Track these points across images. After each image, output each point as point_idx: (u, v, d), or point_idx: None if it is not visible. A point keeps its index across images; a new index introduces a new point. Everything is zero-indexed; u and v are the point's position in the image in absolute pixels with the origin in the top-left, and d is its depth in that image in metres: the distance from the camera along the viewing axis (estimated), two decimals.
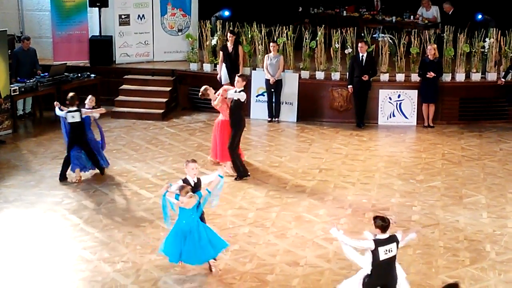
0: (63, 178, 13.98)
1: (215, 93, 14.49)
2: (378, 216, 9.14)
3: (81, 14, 19.22)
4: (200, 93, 14.71)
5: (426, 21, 20.37)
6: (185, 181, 10.81)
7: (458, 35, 17.45)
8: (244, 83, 14.27)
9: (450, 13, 19.69)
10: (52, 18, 19.17)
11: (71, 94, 13.95)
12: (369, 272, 9.05)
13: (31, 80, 17.36)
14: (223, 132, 14.29)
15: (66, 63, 18.50)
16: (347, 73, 17.38)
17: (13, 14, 19.61)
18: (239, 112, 14.17)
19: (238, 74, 14.76)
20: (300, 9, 22.16)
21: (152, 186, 13.79)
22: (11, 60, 17.55)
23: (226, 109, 14.22)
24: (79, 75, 18.36)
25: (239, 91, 14.00)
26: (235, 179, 14.09)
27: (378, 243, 8.92)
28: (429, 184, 13.89)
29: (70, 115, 13.62)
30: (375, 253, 8.91)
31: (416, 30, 18.38)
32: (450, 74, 17.65)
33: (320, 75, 17.84)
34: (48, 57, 19.13)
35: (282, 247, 11.40)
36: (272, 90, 17.53)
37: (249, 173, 14.21)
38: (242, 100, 14.05)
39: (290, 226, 12.14)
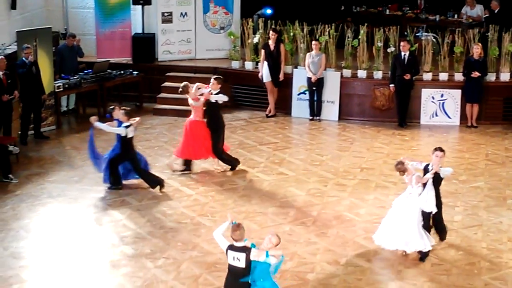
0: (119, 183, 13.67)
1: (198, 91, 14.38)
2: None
3: (125, 12, 19.35)
4: (180, 89, 14.43)
5: (470, 20, 20.14)
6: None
7: (503, 34, 17.24)
8: (220, 86, 14.26)
9: (496, 11, 19.43)
10: (95, 16, 19.32)
11: (127, 108, 13.57)
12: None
13: (75, 77, 17.52)
14: (196, 131, 14.17)
15: (109, 60, 18.66)
16: (389, 72, 17.27)
17: (57, 12, 19.80)
18: (217, 114, 14.31)
19: (214, 76, 14.65)
20: (343, 7, 22.07)
21: (193, 183, 13.84)
22: (55, 56, 17.74)
23: (201, 110, 14.23)
24: (122, 72, 18.50)
25: (216, 93, 14.10)
26: (231, 169, 14.42)
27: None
28: (472, 185, 13.75)
29: (130, 130, 13.23)
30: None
31: (460, 29, 18.19)
32: (495, 73, 17.43)
33: (362, 73, 17.75)
34: (91, 54, 19.28)
35: (322, 245, 11.38)
36: (314, 88, 17.49)
37: (239, 161, 14.51)
38: (220, 102, 14.24)
39: (331, 225, 12.10)
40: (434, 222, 11.12)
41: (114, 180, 13.50)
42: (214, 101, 14.11)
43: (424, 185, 10.79)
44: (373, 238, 11.19)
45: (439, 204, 11.06)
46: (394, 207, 11.05)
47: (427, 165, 11.03)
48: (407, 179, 10.90)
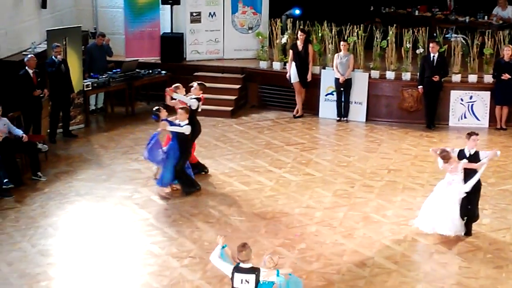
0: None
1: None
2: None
3: (153, 12, 19.43)
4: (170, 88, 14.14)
5: (501, 21, 19.96)
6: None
7: None
8: (201, 92, 14.12)
9: None
10: (125, 15, 19.42)
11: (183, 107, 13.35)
12: None
13: (103, 76, 17.63)
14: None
15: (137, 60, 18.73)
16: (418, 74, 17.17)
17: (87, 11, 19.93)
18: (193, 120, 13.71)
19: (198, 82, 14.48)
20: (372, 8, 21.98)
21: (220, 183, 13.86)
22: (85, 55, 17.85)
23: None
24: (150, 71, 18.57)
25: (194, 98, 13.96)
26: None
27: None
28: (500, 188, 13.63)
29: (187, 128, 13.15)
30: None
31: (490, 31, 18.05)
32: None
33: (390, 75, 17.67)
34: (120, 54, 19.38)
35: (349, 247, 11.34)
36: (342, 89, 17.44)
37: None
38: (193, 107, 13.80)
39: (358, 226, 12.07)
40: (468, 205, 11.46)
41: (189, 184, 13.39)
42: (188, 105, 13.71)
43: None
44: (411, 223, 11.65)
45: (478, 186, 11.47)
46: (436, 192, 11.55)
47: (461, 150, 11.48)
48: (450, 167, 11.28)
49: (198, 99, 14.02)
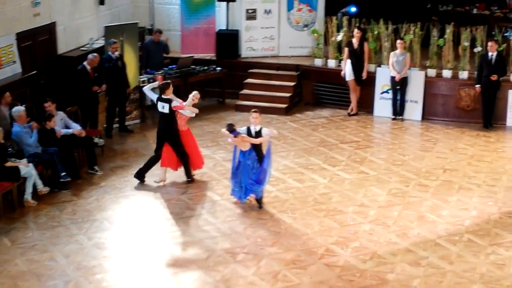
0: None
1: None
2: None
3: (209, 8, 19.52)
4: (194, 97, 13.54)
5: None
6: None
7: None
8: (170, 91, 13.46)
9: None
10: (181, 12, 19.55)
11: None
12: None
13: (159, 72, 17.76)
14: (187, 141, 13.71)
15: (193, 56, 18.85)
16: (476, 72, 16.95)
17: (144, 7, 20.14)
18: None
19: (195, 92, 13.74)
20: (429, 5, 21.77)
21: (274, 179, 13.83)
22: (141, 52, 18.03)
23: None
24: (206, 68, 18.68)
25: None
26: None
27: None
28: None
29: (267, 131, 12.72)
30: None
31: None
32: None
33: (447, 73, 17.46)
34: (176, 50, 19.52)
35: (403, 246, 11.25)
36: (397, 87, 17.30)
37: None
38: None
39: (412, 226, 11.96)
40: None
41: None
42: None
43: None
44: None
45: None
46: None
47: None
48: None
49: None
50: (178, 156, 13.57)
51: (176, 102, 13.38)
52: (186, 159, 13.64)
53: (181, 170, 13.80)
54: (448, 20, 18.34)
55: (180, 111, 13.35)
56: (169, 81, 14.09)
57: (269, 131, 12.52)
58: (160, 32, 18.38)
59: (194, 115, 13.62)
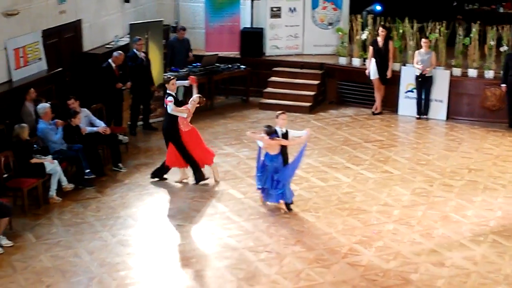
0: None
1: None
2: None
3: (234, 6, 19.52)
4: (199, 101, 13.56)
5: None
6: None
7: None
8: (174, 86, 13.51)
9: None
10: (205, 10, 19.56)
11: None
12: None
13: (183, 70, 17.80)
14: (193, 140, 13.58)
15: (217, 54, 18.87)
16: (502, 72, 16.81)
17: (169, 5, 20.19)
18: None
19: (171, 77, 13.96)
20: (455, 4, 21.64)
21: (297, 178, 13.78)
22: (166, 49, 18.07)
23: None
24: (230, 66, 18.69)
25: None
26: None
27: None
28: None
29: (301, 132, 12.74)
30: None
31: None
32: None
33: (472, 72, 17.34)
34: (200, 48, 19.55)
35: (427, 246, 11.20)
36: (419, 79, 17.12)
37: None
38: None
39: (436, 226, 11.90)
40: None
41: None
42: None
43: None
44: None
45: None
46: None
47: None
48: None
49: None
50: (183, 157, 13.47)
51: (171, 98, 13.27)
52: (191, 162, 13.48)
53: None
54: (474, 19, 18.20)
55: (167, 107, 13.24)
56: (172, 76, 14.08)
57: (305, 132, 12.40)
58: (184, 29, 18.41)
59: (184, 115, 13.36)
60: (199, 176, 13.63)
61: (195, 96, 13.51)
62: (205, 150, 13.75)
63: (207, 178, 13.66)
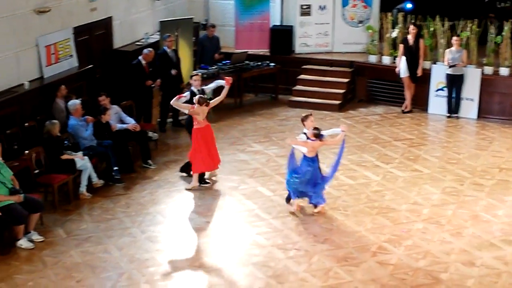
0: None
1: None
2: None
3: (264, 4, 19.50)
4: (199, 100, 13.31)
5: None
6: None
7: None
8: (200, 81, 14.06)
9: None
10: (235, 7, 19.57)
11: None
12: None
13: (213, 67, 17.82)
14: (212, 137, 13.50)
15: (247, 51, 18.87)
16: None
17: (199, 3, 20.22)
18: None
19: (195, 73, 14.28)
20: (487, 2, 21.43)
21: None
22: (196, 47, 18.10)
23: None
24: (259, 63, 18.67)
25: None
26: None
27: None
28: None
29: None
30: None
31: None
32: None
33: (504, 71, 17.17)
34: (230, 45, 19.57)
35: (457, 245, 11.12)
36: (453, 85, 17.05)
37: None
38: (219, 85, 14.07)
39: (467, 225, 11.81)
40: None
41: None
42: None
43: None
44: None
45: None
46: None
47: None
48: None
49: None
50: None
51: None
52: (193, 155, 13.38)
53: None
54: (506, 17, 18.00)
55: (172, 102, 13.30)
56: (196, 72, 14.01)
57: (339, 130, 12.20)
58: (213, 26, 18.43)
59: (185, 111, 13.36)
60: (186, 170, 13.69)
61: (197, 96, 13.40)
62: (213, 154, 13.46)
63: (207, 183, 13.60)
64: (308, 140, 11.88)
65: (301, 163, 12.08)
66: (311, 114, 12.30)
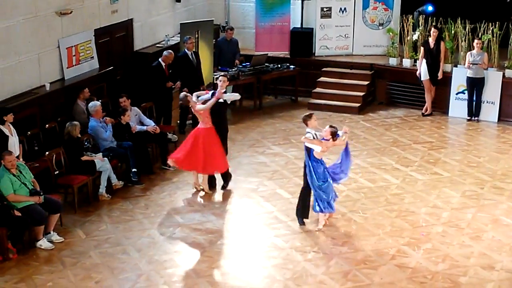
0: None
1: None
2: None
3: (284, 6, 19.51)
4: (180, 102, 13.51)
5: None
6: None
7: None
8: (227, 83, 13.63)
9: None
10: (256, 10, 19.59)
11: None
12: None
13: (233, 69, 17.85)
14: (208, 140, 12.92)
15: (267, 54, 18.88)
16: None
17: (219, 5, 20.25)
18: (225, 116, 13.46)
19: (222, 74, 13.55)
20: (509, 1, 21.28)
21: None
22: (214, 49, 18.14)
23: (208, 116, 12.92)
24: (279, 66, 18.68)
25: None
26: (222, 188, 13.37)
27: None
28: None
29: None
30: None
31: None
32: None
33: None
34: (250, 48, 19.60)
35: (477, 249, 11.06)
36: (474, 88, 16.97)
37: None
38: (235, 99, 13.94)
39: (487, 229, 11.74)
40: None
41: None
42: (223, 101, 13.11)
43: None
44: None
45: None
46: None
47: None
48: None
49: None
50: None
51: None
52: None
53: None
54: None
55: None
56: (223, 74, 13.89)
57: (341, 132, 11.69)
58: (231, 29, 18.45)
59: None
60: (225, 181, 13.42)
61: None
62: (214, 157, 13.02)
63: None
64: (323, 140, 11.61)
65: (314, 169, 11.61)
66: (313, 113, 11.86)
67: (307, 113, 11.87)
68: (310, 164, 11.56)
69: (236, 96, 13.93)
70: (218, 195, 13.20)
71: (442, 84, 17.46)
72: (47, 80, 14.20)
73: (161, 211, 12.52)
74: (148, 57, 16.78)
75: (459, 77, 17.36)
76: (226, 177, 13.45)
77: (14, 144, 12.06)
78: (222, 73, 13.95)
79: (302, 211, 11.97)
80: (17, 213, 11.01)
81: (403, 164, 14.54)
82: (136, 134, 14.03)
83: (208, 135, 12.95)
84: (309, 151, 11.56)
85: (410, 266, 10.60)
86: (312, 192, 11.72)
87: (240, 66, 18.14)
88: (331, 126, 11.67)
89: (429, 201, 12.85)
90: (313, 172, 11.57)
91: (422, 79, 17.44)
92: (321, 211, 11.72)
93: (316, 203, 11.70)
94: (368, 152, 15.26)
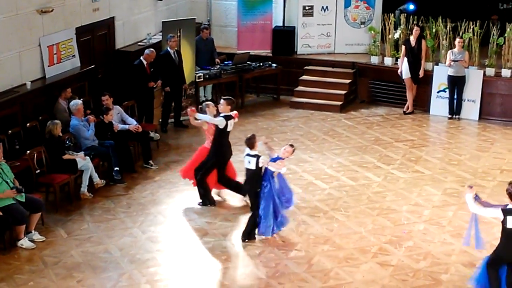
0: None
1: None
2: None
3: (266, 5, 19.50)
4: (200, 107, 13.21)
5: None
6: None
7: None
8: (229, 107, 12.50)
9: None
10: (238, 8, 19.59)
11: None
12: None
13: (215, 68, 17.83)
14: (199, 155, 12.92)
15: (249, 52, 18.88)
16: None
17: (201, 3, 20.22)
18: (220, 141, 12.51)
19: (224, 97, 12.72)
20: (489, 3, 21.42)
21: (327, 177, 13.83)
22: None
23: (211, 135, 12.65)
24: (261, 64, 18.69)
25: (221, 116, 12.43)
26: (199, 203, 12.77)
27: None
28: None
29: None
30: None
31: None
32: None
33: (506, 72, 17.16)
34: (232, 46, 19.59)
35: (458, 246, 11.13)
36: (454, 86, 17.05)
37: (215, 203, 12.77)
38: (221, 126, 12.32)
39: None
40: None
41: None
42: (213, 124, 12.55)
43: None
44: None
45: None
46: None
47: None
48: None
49: (228, 117, 12.41)
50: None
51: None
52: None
53: None
54: (508, 19, 18.02)
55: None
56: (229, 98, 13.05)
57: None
58: (206, 28, 18.35)
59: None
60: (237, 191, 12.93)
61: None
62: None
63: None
64: (279, 160, 11.36)
65: (271, 187, 11.37)
66: (255, 134, 11.66)
67: (249, 135, 11.63)
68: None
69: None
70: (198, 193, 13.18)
71: (424, 83, 17.55)
72: (28, 79, 14.12)
73: (143, 210, 12.50)
74: (130, 55, 16.72)
75: (440, 76, 17.45)
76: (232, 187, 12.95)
77: None
78: (224, 98, 12.71)
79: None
80: None
81: (384, 162, 14.60)
82: (118, 132, 13.99)
83: (202, 151, 12.89)
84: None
85: (391, 263, 10.65)
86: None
87: (222, 65, 18.12)
88: (291, 145, 11.54)
89: (411, 199, 12.91)
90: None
91: (403, 78, 17.51)
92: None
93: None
94: (349, 150, 15.31)
